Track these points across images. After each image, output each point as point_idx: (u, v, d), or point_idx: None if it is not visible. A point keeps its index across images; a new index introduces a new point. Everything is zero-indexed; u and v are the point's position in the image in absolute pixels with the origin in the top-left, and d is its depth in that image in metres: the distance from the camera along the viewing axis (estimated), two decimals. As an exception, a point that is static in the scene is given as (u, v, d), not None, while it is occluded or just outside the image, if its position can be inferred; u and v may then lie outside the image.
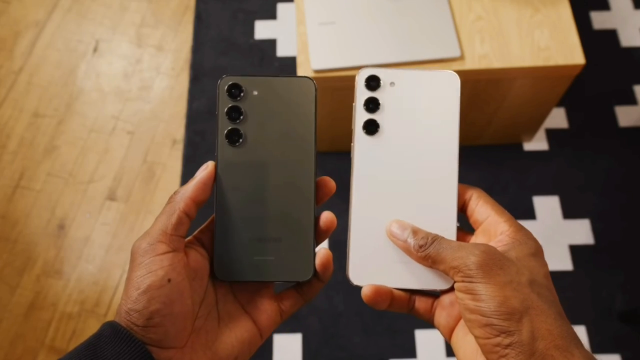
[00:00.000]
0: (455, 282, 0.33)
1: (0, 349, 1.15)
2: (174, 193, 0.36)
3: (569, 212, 1.25)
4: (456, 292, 0.33)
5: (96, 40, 1.51)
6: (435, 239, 0.35)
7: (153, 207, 1.29)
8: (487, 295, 0.31)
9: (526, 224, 1.23)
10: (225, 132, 0.37)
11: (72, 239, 1.26)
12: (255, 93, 0.38)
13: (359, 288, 0.38)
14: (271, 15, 1.51)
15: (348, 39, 1.04)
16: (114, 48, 1.50)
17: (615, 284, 1.18)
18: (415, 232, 0.36)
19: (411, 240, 0.36)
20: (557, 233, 1.23)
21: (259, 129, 0.38)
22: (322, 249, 0.39)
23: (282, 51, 1.46)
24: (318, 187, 0.39)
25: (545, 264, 0.35)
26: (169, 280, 0.33)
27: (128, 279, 0.34)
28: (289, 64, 1.43)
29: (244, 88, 0.38)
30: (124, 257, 1.24)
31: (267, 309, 0.38)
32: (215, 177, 0.37)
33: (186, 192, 0.36)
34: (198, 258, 0.37)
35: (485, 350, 0.31)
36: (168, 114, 1.41)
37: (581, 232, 1.23)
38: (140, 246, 0.34)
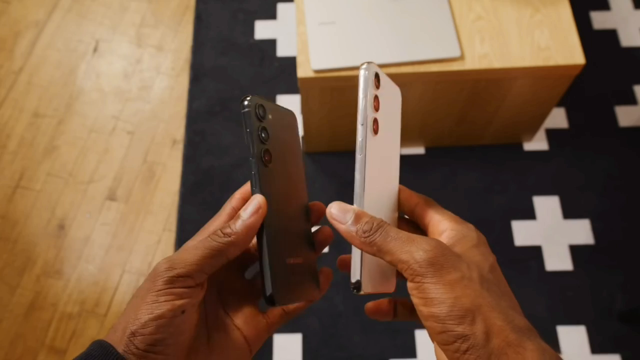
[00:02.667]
0: (407, 280, 0.32)
1: (0, 349, 1.15)
2: (221, 231, 0.34)
3: (569, 212, 1.25)
4: (411, 297, 0.32)
5: (96, 40, 1.51)
6: (381, 225, 0.33)
7: (153, 207, 1.30)
8: (438, 299, 0.30)
9: (526, 224, 1.23)
10: (262, 153, 0.36)
11: (72, 239, 1.26)
12: (270, 117, 0.37)
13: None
14: (271, 15, 1.51)
15: (348, 39, 1.04)
16: (114, 48, 1.50)
17: (615, 284, 1.18)
18: (358, 215, 0.34)
19: (352, 227, 0.34)
20: (557, 233, 1.23)
21: (276, 151, 0.37)
22: (327, 269, 0.38)
23: (282, 51, 1.46)
24: (312, 211, 0.40)
25: (489, 254, 0.34)
26: (183, 312, 0.32)
27: (141, 298, 0.32)
28: (289, 64, 1.43)
29: (267, 110, 0.37)
30: (124, 257, 1.24)
31: (256, 325, 0.37)
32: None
33: (239, 237, 0.34)
34: (206, 285, 0.36)
35: (448, 357, 0.31)
36: (168, 114, 1.41)
37: (581, 232, 1.23)
38: (167, 273, 0.33)
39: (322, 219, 0.40)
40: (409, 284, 0.32)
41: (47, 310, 1.19)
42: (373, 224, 0.33)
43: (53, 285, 1.22)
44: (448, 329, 0.30)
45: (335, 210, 0.34)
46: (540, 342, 0.31)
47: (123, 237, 1.27)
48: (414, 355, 1.12)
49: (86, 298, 1.20)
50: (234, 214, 0.37)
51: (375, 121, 0.36)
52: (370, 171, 0.36)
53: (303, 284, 0.37)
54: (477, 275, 0.32)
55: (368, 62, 0.36)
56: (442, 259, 0.31)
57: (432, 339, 0.32)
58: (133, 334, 0.31)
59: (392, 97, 0.39)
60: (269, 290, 0.34)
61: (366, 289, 0.35)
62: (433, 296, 0.31)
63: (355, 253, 0.35)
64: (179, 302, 0.32)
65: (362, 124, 0.35)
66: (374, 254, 0.34)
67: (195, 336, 0.35)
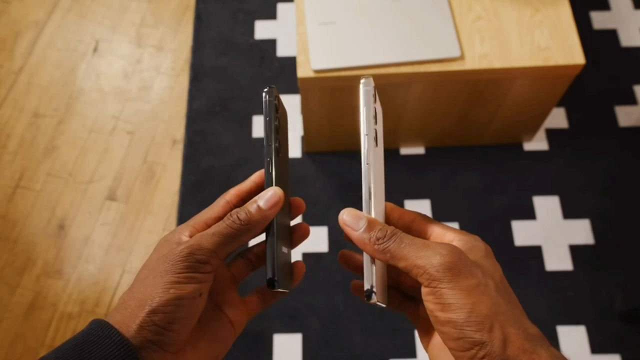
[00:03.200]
0: (421, 286, 0.32)
1: (0, 349, 1.15)
2: (244, 213, 0.36)
3: (569, 212, 1.25)
4: (424, 302, 0.32)
5: (96, 40, 1.51)
6: (395, 232, 0.34)
7: (153, 207, 1.29)
8: (456, 305, 0.30)
9: (526, 223, 1.23)
10: (277, 142, 0.38)
11: (72, 239, 1.26)
12: (279, 110, 0.39)
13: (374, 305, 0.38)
14: (271, 15, 1.51)
15: (348, 39, 1.04)
16: (114, 48, 1.50)
17: (615, 284, 1.18)
18: (371, 223, 0.35)
19: (365, 234, 0.34)
20: (557, 233, 1.23)
21: (282, 143, 0.39)
22: (300, 262, 0.40)
23: (282, 51, 1.46)
24: (292, 207, 0.41)
25: (498, 265, 0.35)
26: (200, 295, 0.34)
27: (160, 277, 0.33)
28: (289, 64, 1.43)
29: (279, 103, 0.39)
30: (124, 257, 1.24)
31: (239, 310, 0.39)
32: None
33: (256, 225, 0.36)
34: None
35: None
36: (168, 114, 1.41)
37: (581, 232, 1.23)
38: (189, 257, 0.34)
39: (300, 214, 0.41)
40: (424, 290, 0.32)
41: (47, 310, 1.19)
42: (387, 231, 0.34)
43: (53, 285, 1.22)
44: (466, 335, 0.30)
45: (347, 217, 0.35)
46: (553, 350, 0.31)
47: (123, 237, 1.27)
48: (414, 355, 1.12)
49: (86, 298, 1.20)
50: (228, 208, 0.38)
51: (376, 133, 0.37)
52: (374, 181, 0.36)
53: (287, 274, 0.39)
54: (492, 283, 0.32)
55: (366, 77, 0.37)
56: (460, 264, 0.31)
57: (446, 344, 0.32)
58: (154, 311, 0.32)
59: (380, 112, 0.39)
60: (270, 274, 0.36)
61: (378, 297, 0.35)
62: (450, 301, 0.30)
63: (367, 261, 0.35)
64: (198, 286, 0.33)
65: (367, 134, 0.36)
66: (386, 261, 0.34)
67: None
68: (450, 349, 0.31)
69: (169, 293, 0.32)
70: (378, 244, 0.34)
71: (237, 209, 0.36)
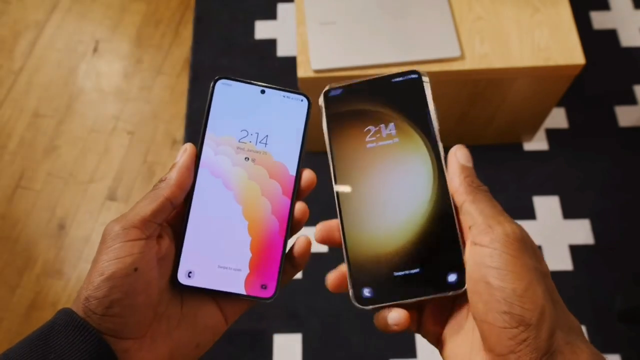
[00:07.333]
0: (478, 245, 0.31)
1: (1, 349, 1.15)
2: (159, 181, 0.36)
3: (569, 212, 1.25)
4: (478, 265, 0.31)
5: (96, 40, 1.51)
6: (488, 190, 0.34)
7: (153, 207, 1.30)
8: (515, 275, 0.29)
9: (526, 223, 1.23)
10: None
11: (72, 239, 1.26)
12: None
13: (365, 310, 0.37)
14: (271, 15, 1.51)
15: (348, 39, 1.04)
16: (114, 48, 1.50)
17: (615, 284, 1.18)
18: (473, 171, 0.36)
19: (465, 170, 0.35)
20: (557, 233, 1.23)
21: None
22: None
23: (282, 51, 1.46)
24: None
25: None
26: (136, 269, 0.31)
27: (94, 262, 0.32)
28: (289, 64, 1.43)
29: None
30: (124, 257, 1.24)
31: (232, 299, 0.37)
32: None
33: (175, 178, 0.36)
34: (167, 242, 0.35)
35: (493, 341, 0.29)
36: (168, 114, 1.41)
37: (581, 232, 1.23)
38: (113, 229, 0.32)
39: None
40: (484, 250, 0.31)
41: (47, 310, 1.19)
42: (483, 184, 0.35)
43: (53, 285, 1.22)
44: (514, 310, 0.29)
45: (460, 150, 0.36)
46: (592, 346, 0.31)
47: (123, 237, 1.27)
48: (414, 355, 1.12)
49: (86, 298, 1.20)
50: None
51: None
52: None
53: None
54: (546, 271, 0.32)
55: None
56: (528, 242, 0.31)
57: (484, 318, 0.30)
58: (87, 298, 0.31)
59: None
60: None
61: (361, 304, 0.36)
62: (510, 269, 0.30)
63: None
64: (129, 259, 0.31)
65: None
66: (461, 202, 0.34)
67: (163, 301, 0.34)
68: (488, 323, 0.30)
69: (99, 277, 0.31)
70: (471, 185, 0.34)
71: None
